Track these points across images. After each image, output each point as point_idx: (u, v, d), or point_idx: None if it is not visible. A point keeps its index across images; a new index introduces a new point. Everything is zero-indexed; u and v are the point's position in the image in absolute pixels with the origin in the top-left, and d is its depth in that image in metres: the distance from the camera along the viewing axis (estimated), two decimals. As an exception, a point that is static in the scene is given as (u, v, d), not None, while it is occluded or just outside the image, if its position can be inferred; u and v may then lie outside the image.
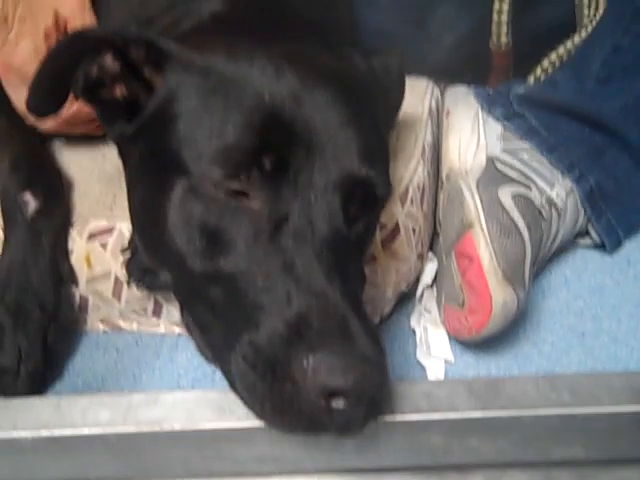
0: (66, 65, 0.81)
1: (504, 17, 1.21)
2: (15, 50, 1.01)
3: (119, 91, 0.82)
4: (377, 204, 0.80)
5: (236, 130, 0.73)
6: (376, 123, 0.83)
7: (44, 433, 0.76)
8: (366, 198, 0.78)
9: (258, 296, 0.71)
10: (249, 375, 0.68)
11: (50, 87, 0.84)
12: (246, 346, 0.69)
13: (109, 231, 1.05)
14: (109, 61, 0.80)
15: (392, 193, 0.83)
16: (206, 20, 0.95)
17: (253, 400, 0.69)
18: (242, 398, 0.71)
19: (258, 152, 0.72)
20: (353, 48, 1.13)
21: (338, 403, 0.65)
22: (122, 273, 1.04)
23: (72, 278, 1.06)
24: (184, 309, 0.85)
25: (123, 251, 1.03)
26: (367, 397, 0.66)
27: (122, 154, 0.88)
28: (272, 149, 0.72)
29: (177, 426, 0.76)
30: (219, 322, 0.75)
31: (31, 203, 1.02)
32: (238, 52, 0.79)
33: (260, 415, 0.70)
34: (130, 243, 1.02)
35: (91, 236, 1.05)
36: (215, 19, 0.95)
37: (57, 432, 0.76)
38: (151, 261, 0.89)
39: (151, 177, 0.81)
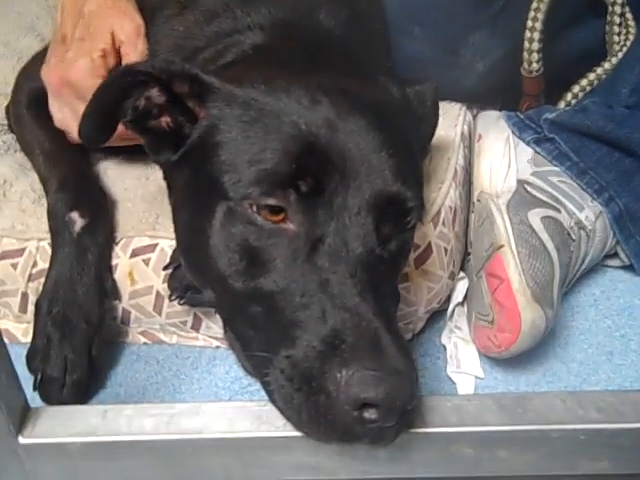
0: (116, 97, 0.86)
1: (535, 45, 1.24)
2: (73, 67, 1.06)
3: (165, 121, 0.87)
4: (409, 221, 0.82)
5: (274, 157, 0.77)
6: (409, 147, 0.87)
7: (92, 439, 0.79)
8: (398, 215, 0.81)
9: (295, 313, 0.74)
10: (287, 387, 0.72)
11: (101, 118, 0.89)
12: (284, 360, 0.73)
13: (152, 248, 1.09)
14: (155, 94, 0.85)
15: (424, 212, 0.86)
16: (247, 52, 0.99)
17: (290, 411, 0.73)
18: (280, 409, 0.74)
19: (295, 176, 0.76)
20: (389, 77, 1.17)
21: (370, 414, 0.68)
22: (163, 288, 1.08)
23: (115, 293, 1.11)
24: (226, 324, 0.88)
25: (165, 268, 1.07)
26: (398, 409, 0.69)
27: (167, 179, 0.93)
28: (308, 174, 0.76)
29: (218, 435, 0.79)
30: (259, 337, 0.79)
31: (78, 221, 1.07)
32: (276, 84, 0.83)
33: (297, 425, 0.73)
34: (172, 260, 1.07)
35: (134, 253, 1.10)
36: (256, 51, 0.99)
37: (104, 438, 0.79)
38: (194, 280, 0.93)
39: (195, 202, 0.86)
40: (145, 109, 0.86)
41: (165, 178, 0.93)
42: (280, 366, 0.73)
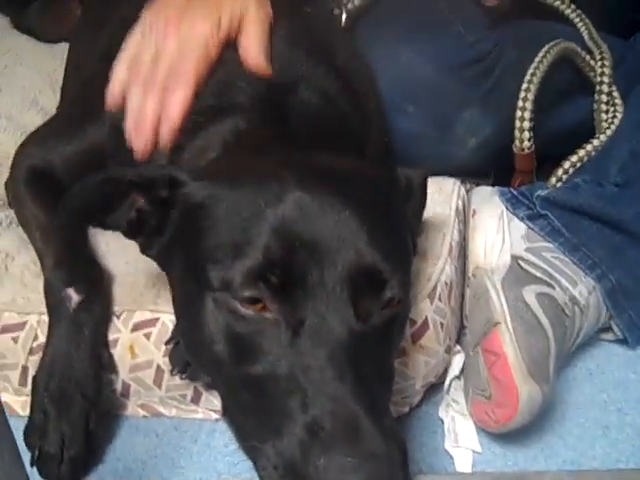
0: (93, 204, 0.91)
1: (526, 124, 1.28)
2: (192, 23, 1.06)
3: (154, 220, 0.90)
4: (389, 296, 0.81)
5: (246, 249, 0.78)
6: (390, 223, 0.88)
7: (92, 519, 0.80)
8: (375, 288, 0.80)
9: (281, 400, 0.76)
10: (273, 475, 0.74)
11: (84, 214, 0.94)
12: (270, 449, 0.74)
13: (153, 323, 1.11)
14: (142, 204, 0.89)
15: (408, 287, 0.86)
16: (229, 141, 1.01)
17: None
18: None
19: (263, 270, 0.77)
20: (386, 152, 1.21)
21: None
22: (164, 362, 1.09)
23: (112, 367, 1.12)
24: (223, 405, 0.89)
25: (167, 343, 1.09)
26: None
27: (164, 269, 0.95)
28: (276, 266, 0.78)
29: (219, 514, 0.79)
30: (250, 423, 0.80)
31: (74, 297, 1.08)
32: (245, 174, 0.86)
33: None
34: (173, 335, 1.08)
35: (135, 327, 1.11)
36: (236, 139, 1.00)
37: (104, 518, 0.80)
38: (192, 362, 0.97)
39: (185, 290, 0.88)
40: (139, 219, 0.90)
41: (163, 269, 0.96)
42: (267, 454, 0.74)
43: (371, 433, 0.71)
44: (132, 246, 1.17)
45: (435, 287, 1.12)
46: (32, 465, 1.03)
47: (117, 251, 1.20)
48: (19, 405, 1.15)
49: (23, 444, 1.04)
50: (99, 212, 0.91)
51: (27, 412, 1.07)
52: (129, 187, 0.89)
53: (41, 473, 1.04)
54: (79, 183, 0.91)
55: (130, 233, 0.93)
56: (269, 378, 0.78)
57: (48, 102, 1.60)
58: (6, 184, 1.31)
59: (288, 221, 0.80)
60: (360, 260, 0.79)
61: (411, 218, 1.00)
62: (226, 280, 0.79)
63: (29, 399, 1.08)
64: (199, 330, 0.83)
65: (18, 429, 1.03)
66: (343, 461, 0.69)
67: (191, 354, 0.93)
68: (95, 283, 1.12)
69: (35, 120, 1.48)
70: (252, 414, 0.79)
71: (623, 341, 1.25)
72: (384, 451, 0.70)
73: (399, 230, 0.90)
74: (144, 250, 0.94)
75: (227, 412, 0.87)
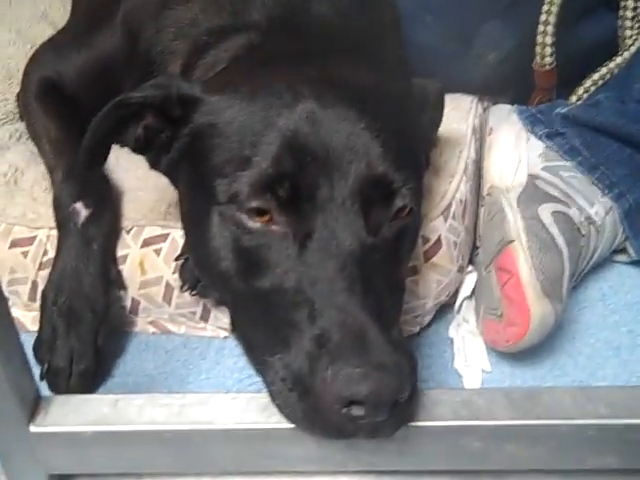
0: (113, 129, 0.89)
1: (548, 39, 1.23)
2: None
3: (164, 136, 0.89)
4: (401, 205, 0.81)
5: (253, 161, 0.78)
6: (402, 132, 0.86)
7: (103, 428, 0.80)
8: (386, 198, 0.80)
9: (288, 313, 0.76)
10: (281, 388, 0.74)
11: (99, 147, 0.92)
12: (278, 362, 0.75)
13: (163, 238, 1.10)
14: (152, 121, 0.88)
15: (421, 198, 0.85)
16: (240, 54, 0.99)
17: (286, 410, 0.75)
18: (277, 407, 0.76)
19: (272, 181, 0.77)
20: (400, 65, 1.17)
21: (358, 411, 0.69)
22: (174, 279, 1.09)
23: (121, 282, 1.12)
24: (232, 321, 0.90)
25: (177, 258, 1.08)
26: (385, 403, 0.69)
27: (172, 183, 0.95)
28: (285, 178, 0.77)
29: (228, 425, 0.79)
30: (258, 338, 0.80)
31: (82, 212, 1.08)
32: (258, 85, 0.84)
33: (294, 423, 0.75)
34: (183, 251, 1.07)
35: (146, 243, 1.11)
36: (249, 52, 0.99)
37: (115, 428, 0.80)
38: (201, 277, 0.97)
39: (193, 204, 0.88)
40: (147, 133, 0.89)
41: (171, 183, 0.95)
42: (275, 367, 0.75)
43: (379, 344, 0.71)
44: (143, 161, 1.16)
45: (449, 205, 1.11)
46: (41, 379, 1.04)
47: (128, 166, 1.19)
48: (29, 320, 1.16)
49: (31, 359, 1.05)
50: (117, 135, 0.90)
51: (37, 327, 1.08)
52: (142, 108, 0.87)
53: (50, 387, 1.05)
54: (96, 115, 0.89)
55: (138, 149, 0.92)
56: (277, 291, 0.77)
57: (58, 15, 1.57)
58: (17, 96, 1.31)
59: (300, 133, 0.78)
60: (371, 171, 0.78)
61: (426, 129, 0.98)
62: (233, 192, 0.78)
63: (39, 314, 1.08)
64: (206, 245, 0.83)
65: (28, 344, 1.04)
66: (350, 371, 0.69)
67: (200, 269, 0.93)
68: (104, 198, 1.11)
69: (45, 33, 1.46)
70: (260, 328, 0.79)
71: (637, 263, 1.23)
72: (392, 361, 0.70)
73: (411, 141, 0.89)
74: (153, 165, 0.93)
75: (236, 327, 0.87)
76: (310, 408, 0.72)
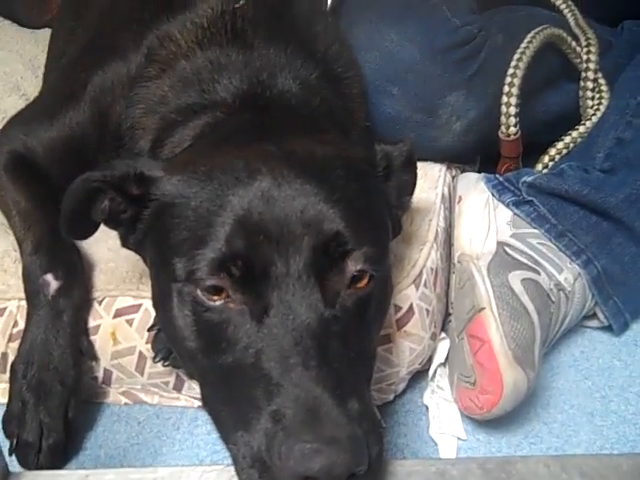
0: (81, 204, 0.91)
1: (512, 109, 1.27)
2: None
3: (128, 214, 0.90)
4: (358, 270, 0.80)
5: (209, 239, 0.79)
6: (364, 200, 0.86)
7: (72, 506, 0.79)
8: (340, 260, 0.80)
9: (249, 389, 0.76)
10: (243, 465, 0.74)
11: (78, 220, 0.94)
12: (240, 439, 0.75)
13: (135, 309, 1.10)
14: (115, 196, 0.89)
15: (378, 263, 0.83)
16: (204, 132, 1.00)
17: None
18: None
19: (225, 261, 0.78)
20: (366, 137, 1.19)
21: None
22: (146, 349, 1.08)
23: (92, 353, 1.11)
24: (202, 395, 0.88)
25: (149, 329, 1.07)
26: (339, 477, 0.69)
27: (143, 260, 0.96)
28: (238, 257, 0.78)
29: (201, 500, 0.78)
30: (225, 411, 0.80)
31: (52, 284, 1.07)
32: (216, 164, 0.85)
33: None
34: (156, 321, 1.07)
35: (118, 313, 1.10)
36: (213, 130, 1.00)
37: (85, 505, 0.79)
38: (173, 350, 0.96)
39: (158, 282, 0.89)
40: (111, 209, 0.90)
41: (141, 259, 0.96)
42: (238, 444, 0.75)
43: (333, 417, 0.71)
44: (114, 233, 1.17)
45: (421, 273, 1.12)
46: (10, 454, 1.03)
47: (100, 237, 1.17)
48: (-1, 392, 1.14)
49: (1, 432, 1.03)
50: (87, 209, 0.91)
51: (6, 400, 1.06)
52: (103, 185, 0.89)
53: (20, 461, 1.03)
54: (67, 191, 0.91)
55: (109, 224, 0.93)
56: (238, 367, 0.78)
57: (30, 87, 1.58)
58: (-14, 168, 1.30)
59: (253, 212, 0.79)
60: (323, 235, 0.79)
61: (393, 195, 0.99)
62: (189, 270, 0.79)
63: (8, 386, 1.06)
64: (171, 322, 0.84)
65: (-2, 417, 1.02)
66: (303, 447, 0.68)
67: (169, 343, 0.94)
68: (74, 269, 1.11)
69: (17, 105, 1.46)
70: (226, 404, 0.79)
71: (608, 328, 1.25)
72: (346, 434, 0.70)
73: (374, 209, 0.90)
74: (123, 242, 0.94)
75: (205, 402, 0.87)
76: None
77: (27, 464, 1.03)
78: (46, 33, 1.70)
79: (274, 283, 0.77)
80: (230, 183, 0.82)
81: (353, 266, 0.80)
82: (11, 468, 0.81)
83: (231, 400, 0.78)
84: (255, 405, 0.74)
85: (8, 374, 1.07)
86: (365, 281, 0.82)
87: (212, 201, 0.81)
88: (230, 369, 0.78)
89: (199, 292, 0.79)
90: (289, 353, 0.75)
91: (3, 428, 1.04)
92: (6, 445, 1.03)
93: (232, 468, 0.77)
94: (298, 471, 0.68)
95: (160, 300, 0.88)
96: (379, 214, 0.91)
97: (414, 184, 1.05)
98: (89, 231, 0.97)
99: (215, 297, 0.79)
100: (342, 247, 0.80)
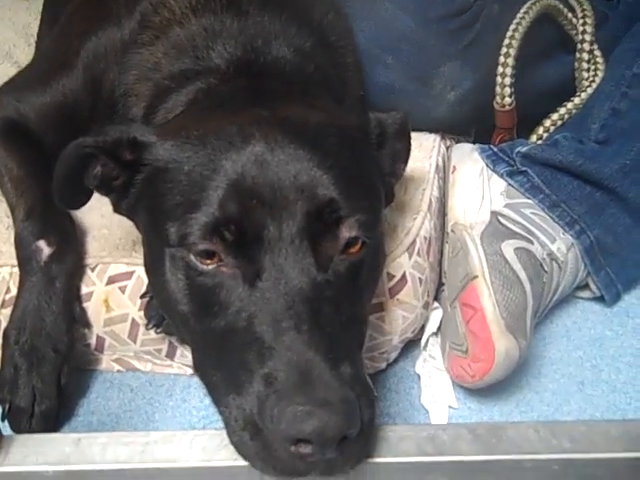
0: (74, 170, 0.90)
1: (507, 80, 1.27)
2: None
3: (122, 180, 0.90)
4: (351, 237, 0.81)
5: (202, 203, 0.79)
6: (357, 167, 0.87)
7: (65, 468, 0.79)
8: (333, 226, 0.80)
9: (241, 353, 0.76)
10: (235, 428, 0.74)
11: (70, 187, 0.94)
12: (232, 402, 0.75)
13: (128, 276, 1.09)
14: (107, 162, 0.89)
15: (371, 229, 0.84)
16: (197, 98, 1.00)
17: (241, 449, 0.75)
18: (234, 445, 0.76)
19: (218, 224, 0.78)
20: (360, 105, 1.19)
21: (306, 448, 0.69)
22: (139, 316, 1.08)
23: (84, 320, 1.11)
24: (194, 360, 0.89)
25: (142, 296, 1.07)
26: (332, 440, 0.69)
27: (135, 226, 0.96)
28: (231, 221, 0.78)
29: (192, 463, 0.79)
30: (217, 376, 0.80)
31: (45, 250, 1.07)
32: (208, 129, 0.85)
33: (250, 462, 0.75)
34: (148, 289, 1.07)
35: (111, 280, 1.10)
36: (206, 95, 1.00)
37: (77, 467, 0.79)
38: (164, 315, 0.97)
39: (151, 246, 0.89)
40: (104, 175, 0.90)
41: (134, 224, 0.96)
42: (229, 407, 0.75)
43: (325, 380, 0.71)
44: (107, 200, 1.16)
45: (414, 242, 1.12)
46: (2, 419, 1.03)
47: (93, 204, 1.16)
48: (-9, 359, 1.14)
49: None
50: (79, 175, 0.91)
51: (0, 366, 1.06)
52: (96, 151, 0.88)
53: (12, 427, 1.03)
54: (59, 158, 0.91)
55: (100, 190, 0.93)
56: (230, 331, 0.78)
57: (22, 55, 1.58)
58: (-21, 136, 1.29)
59: (247, 176, 0.79)
60: (317, 200, 0.79)
61: (387, 162, 0.98)
62: (182, 234, 0.79)
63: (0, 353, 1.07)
64: (163, 287, 0.84)
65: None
66: (295, 409, 0.69)
67: (162, 309, 0.94)
68: (67, 235, 1.11)
69: (9, 73, 1.44)
70: (218, 368, 0.80)
71: (600, 299, 1.25)
72: (338, 397, 0.70)
73: (366, 175, 0.90)
74: (115, 208, 0.94)
75: (197, 367, 0.87)
76: (262, 447, 0.72)
77: (19, 429, 1.03)
78: (39, 1, 1.68)
79: (267, 247, 0.77)
80: (223, 148, 0.82)
81: (347, 232, 0.80)
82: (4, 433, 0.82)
83: (223, 364, 0.78)
84: (247, 368, 0.74)
85: (0, 340, 1.07)
86: (358, 247, 0.82)
87: (205, 165, 0.81)
88: (222, 333, 0.79)
89: (192, 256, 0.79)
90: (281, 317, 0.75)
91: (-4, 394, 1.04)
92: (-2, 410, 1.04)
93: (223, 432, 0.78)
94: (290, 433, 0.69)
95: (152, 265, 0.88)
96: (372, 181, 0.91)
97: (408, 152, 1.04)
98: (82, 199, 0.97)
99: (207, 261, 0.79)
100: (336, 213, 0.80)
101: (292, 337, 0.74)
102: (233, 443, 0.75)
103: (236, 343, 0.77)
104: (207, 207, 0.78)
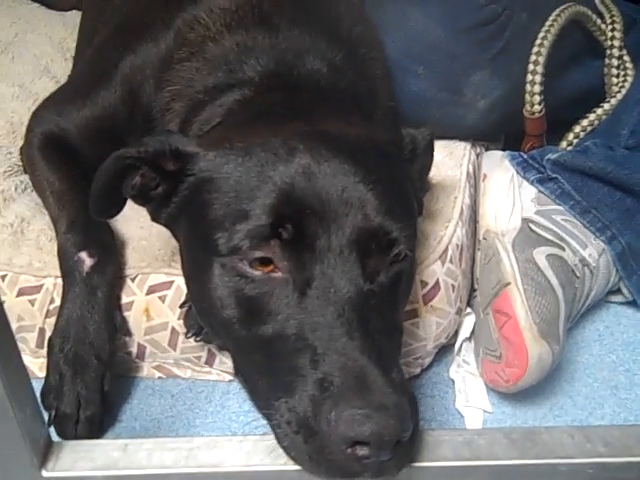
0: (114, 180, 0.92)
1: (536, 87, 1.28)
2: None
3: (162, 190, 0.92)
4: (397, 252, 0.84)
5: (254, 212, 0.81)
6: (394, 183, 0.90)
7: (113, 472, 0.81)
8: (384, 247, 0.83)
9: (291, 358, 0.78)
10: (287, 431, 0.76)
11: (107, 197, 0.96)
12: (283, 405, 0.77)
13: (168, 285, 1.12)
14: (147, 172, 0.91)
15: (415, 242, 0.88)
16: (234, 110, 1.02)
17: (293, 452, 0.77)
18: (284, 449, 0.78)
19: (275, 226, 0.80)
20: (391, 116, 1.21)
21: (362, 451, 0.71)
22: (179, 324, 1.11)
23: (125, 329, 1.14)
24: (235, 367, 0.92)
25: (181, 305, 1.10)
26: (388, 443, 0.71)
27: (174, 235, 0.98)
28: (287, 221, 0.80)
29: (236, 468, 0.81)
30: (263, 382, 0.82)
31: (86, 261, 1.10)
32: (252, 140, 0.87)
33: (301, 465, 0.77)
34: (187, 298, 1.10)
35: (151, 290, 1.13)
36: (242, 108, 1.02)
37: (125, 472, 0.81)
38: (204, 325, 1.00)
39: (194, 257, 0.91)
40: (142, 185, 0.92)
41: (173, 236, 0.98)
42: (280, 411, 0.77)
43: (380, 385, 0.73)
44: (145, 211, 1.19)
45: (446, 249, 1.13)
46: (49, 425, 1.05)
47: (131, 215, 1.20)
48: (37, 367, 1.18)
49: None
50: (118, 186, 0.93)
51: (44, 374, 1.09)
52: (138, 162, 0.90)
53: (58, 432, 1.06)
54: (98, 169, 0.93)
55: (138, 200, 0.95)
56: (279, 338, 0.80)
57: (59, 70, 1.62)
58: (21, 150, 1.34)
59: (296, 187, 0.82)
60: (368, 223, 0.82)
61: (417, 177, 1.01)
62: (234, 244, 0.81)
63: (46, 361, 1.10)
64: (209, 295, 0.86)
65: (36, 391, 1.05)
66: (353, 413, 0.71)
67: (202, 318, 0.96)
68: (107, 246, 1.14)
69: (47, 88, 1.50)
70: (264, 373, 0.82)
71: (632, 303, 1.26)
72: (393, 402, 0.72)
73: (404, 191, 0.92)
74: (154, 218, 0.97)
75: (239, 372, 0.90)
76: (316, 450, 0.74)
77: (65, 435, 1.06)
78: (74, 16, 1.74)
79: (318, 256, 0.80)
80: (270, 159, 0.84)
81: (396, 249, 0.84)
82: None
83: (270, 369, 0.81)
84: (299, 373, 0.76)
85: (46, 349, 1.10)
86: (401, 259, 0.85)
87: (252, 176, 0.83)
88: (270, 339, 0.81)
89: (245, 264, 0.81)
90: (333, 324, 0.77)
91: (42, 401, 1.07)
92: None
93: (268, 438, 0.80)
94: (349, 435, 0.71)
95: (196, 274, 0.90)
96: (409, 196, 0.94)
97: (430, 166, 1.09)
98: (117, 209, 0.99)
99: (261, 268, 0.81)
100: (386, 236, 0.83)
101: (345, 343, 0.76)
102: (284, 446, 0.77)
103: (286, 349, 0.79)
104: (258, 216, 0.81)
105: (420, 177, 1.05)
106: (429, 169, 1.09)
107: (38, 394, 1.06)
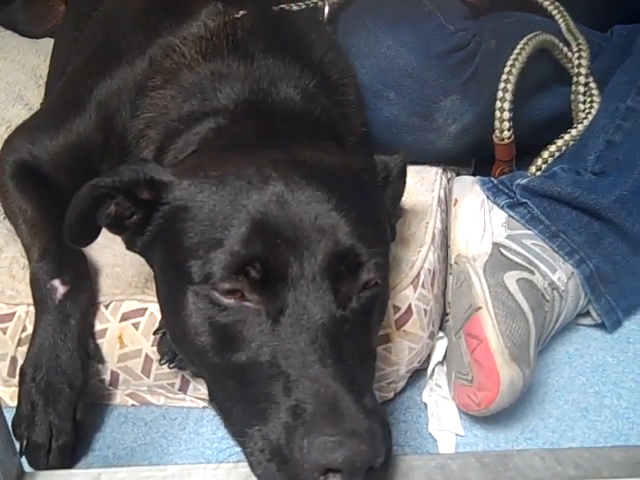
0: (88, 209, 0.92)
1: (506, 114, 1.30)
2: None
3: (136, 218, 0.92)
4: (368, 278, 0.84)
5: (227, 241, 0.81)
6: (369, 209, 0.91)
7: (86, 503, 0.82)
8: (354, 271, 0.84)
9: (265, 386, 0.78)
10: (261, 458, 0.76)
11: (81, 226, 0.95)
12: (256, 433, 0.77)
13: (141, 312, 1.12)
14: (122, 201, 0.91)
15: (387, 270, 0.88)
16: (209, 138, 1.03)
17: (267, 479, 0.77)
18: (258, 477, 0.78)
19: (243, 263, 0.80)
20: (362, 142, 1.22)
21: (335, 478, 0.72)
22: (152, 351, 1.11)
23: (99, 356, 1.13)
24: (210, 393, 0.91)
25: (155, 332, 1.10)
26: (360, 470, 0.72)
27: (148, 263, 0.98)
28: (256, 259, 0.80)
29: (209, 496, 0.81)
30: (236, 409, 0.82)
31: (59, 289, 1.09)
32: (226, 169, 0.87)
33: None
34: (161, 325, 1.10)
35: (124, 317, 1.13)
36: (217, 136, 1.03)
37: (98, 502, 0.82)
38: (177, 351, 0.99)
39: (168, 284, 0.91)
40: (117, 214, 0.92)
41: (147, 263, 0.98)
42: (254, 439, 0.77)
43: (352, 411, 0.74)
44: (118, 238, 1.19)
45: (419, 274, 1.15)
46: (21, 455, 1.04)
47: (104, 243, 1.20)
48: (8, 396, 1.17)
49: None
50: (92, 215, 0.93)
51: (16, 403, 1.08)
52: (112, 191, 0.90)
53: (30, 462, 1.05)
54: (73, 198, 0.93)
55: (113, 229, 0.95)
56: (252, 365, 0.80)
57: (32, 97, 1.61)
58: (-8, 178, 1.32)
59: (269, 215, 0.82)
60: (338, 247, 0.82)
61: (389, 203, 1.03)
62: (206, 273, 0.82)
63: (17, 390, 1.09)
64: (182, 322, 0.86)
65: (7, 420, 1.04)
66: (325, 440, 0.71)
67: (176, 345, 0.96)
68: (81, 274, 1.13)
69: (20, 115, 1.49)
70: (238, 400, 0.82)
71: (601, 326, 1.28)
72: (365, 428, 0.73)
73: (377, 217, 0.93)
74: (128, 246, 0.97)
75: (214, 399, 0.89)
76: (289, 477, 0.74)
77: (37, 465, 1.05)
78: (47, 43, 1.74)
79: (290, 284, 0.80)
80: (244, 188, 0.84)
81: (366, 275, 0.84)
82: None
83: (244, 396, 0.81)
84: (272, 400, 0.77)
85: (17, 377, 1.09)
86: (372, 286, 0.86)
87: (226, 205, 0.84)
88: (244, 366, 0.81)
89: (216, 293, 0.82)
90: (306, 351, 0.78)
91: (13, 430, 1.06)
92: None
93: (241, 465, 0.80)
94: (321, 463, 0.71)
95: (170, 301, 0.90)
96: (382, 223, 0.95)
97: (402, 192, 1.10)
98: (90, 237, 0.99)
99: (232, 297, 0.82)
100: (356, 259, 0.84)
101: (317, 370, 0.77)
102: (257, 474, 0.77)
103: (259, 376, 0.79)
104: (231, 245, 0.81)
105: (393, 203, 1.06)
106: (402, 195, 1.10)
107: (10, 423, 1.06)
